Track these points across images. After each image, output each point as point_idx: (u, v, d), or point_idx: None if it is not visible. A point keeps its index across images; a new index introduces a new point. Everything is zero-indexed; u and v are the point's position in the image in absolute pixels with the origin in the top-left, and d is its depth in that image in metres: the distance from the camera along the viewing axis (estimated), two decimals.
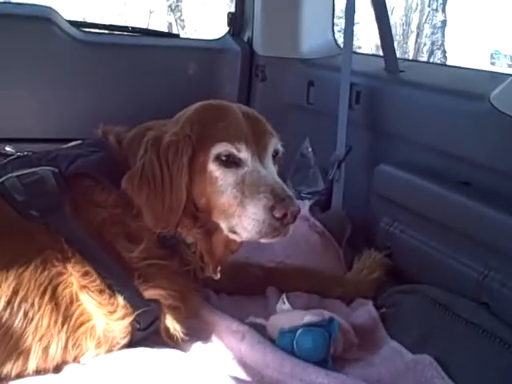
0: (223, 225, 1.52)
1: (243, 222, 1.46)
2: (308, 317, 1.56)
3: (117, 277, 1.46)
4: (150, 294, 1.49)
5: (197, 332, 1.59)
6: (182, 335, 1.52)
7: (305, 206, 2.20)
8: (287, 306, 1.68)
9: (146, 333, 1.51)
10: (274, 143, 1.58)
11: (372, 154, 2.20)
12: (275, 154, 1.59)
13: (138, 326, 1.48)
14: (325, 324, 1.53)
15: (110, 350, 1.47)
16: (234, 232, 1.51)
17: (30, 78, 2.41)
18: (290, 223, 1.46)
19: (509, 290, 1.52)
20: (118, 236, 1.49)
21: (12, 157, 1.61)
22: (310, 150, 2.49)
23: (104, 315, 1.43)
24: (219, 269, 1.65)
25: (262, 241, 1.49)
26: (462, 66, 2.39)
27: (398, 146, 2.08)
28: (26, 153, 1.63)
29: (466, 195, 1.72)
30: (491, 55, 8.59)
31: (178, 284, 1.54)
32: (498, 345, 1.44)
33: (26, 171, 1.51)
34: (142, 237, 1.51)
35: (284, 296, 1.71)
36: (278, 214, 1.43)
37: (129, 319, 1.46)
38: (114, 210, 1.51)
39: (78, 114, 2.43)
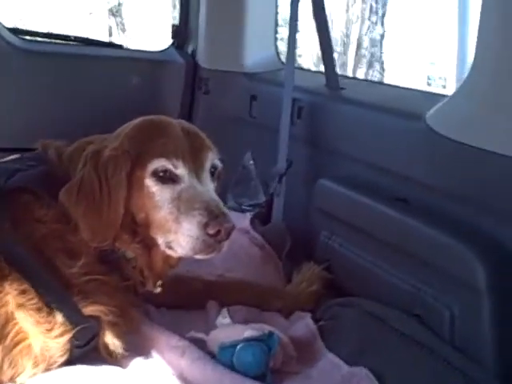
0: (160, 240, 1.53)
1: (178, 238, 1.48)
2: (248, 331, 1.57)
3: (55, 294, 1.45)
4: (89, 310, 1.48)
5: (137, 348, 1.58)
6: (121, 351, 1.51)
7: (245, 219, 2.22)
8: (227, 320, 1.70)
9: (85, 350, 1.50)
10: (212, 158, 1.60)
11: (313, 169, 2.23)
12: (214, 169, 1.61)
13: (76, 343, 1.47)
14: (264, 338, 1.55)
15: (47, 369, 1.44)
16: (170, 247, 1.52)
17: None
18: (224, 240, 1.48)
19: (440, 303, 1.57)
20: (58, 252, 1.48)
21: None
22: (252, 162, 2.51)
23: (41, 333, 1.41)
24: (159, 283, 1.65)
25: (197, 257, 1.51)
26: (399, 85, 2.48)
27: (338, 161, 2.12)
28: None
29: (402, 211, 1.76)
30: (427, 77, 8.88)
31: (118, 299, 1.54)
32: (429, 355, 1.50)
33: None
34: (81, 252, 1.50)
35: (225, 310, 1.73)
36: (211, 231, 1.44)
37: (67, 336, 1.44)
38: (53, 225, 1.49)
39: (16, 123, 2.38)
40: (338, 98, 2.23)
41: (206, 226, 1.44)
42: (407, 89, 2.32)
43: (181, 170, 1.52)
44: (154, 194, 1.51)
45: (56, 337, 1.43)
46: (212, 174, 1.60)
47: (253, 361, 1.52)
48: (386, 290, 1.74)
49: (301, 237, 2.13)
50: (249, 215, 2.25)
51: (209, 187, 1.55)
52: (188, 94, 2.77)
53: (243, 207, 2.41)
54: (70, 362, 1.48)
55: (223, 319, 1.71)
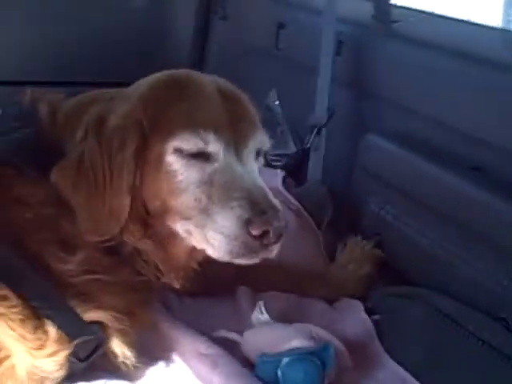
0: (183, 235, 1.21)
1: (208, 235, 1.14)
2: (296, 341, 1.27)
3: (45, 298, 1.11)
4: (91, 316, 1.16)
5: (154, 351, 1.29)
6: (133, 361, 1.21)
7: (276, 176, 1.90)
8: (265, 316, 1.40)
9: (89, 362, 1.18)
10: (258, 134, 1.24)
11: (357, 120, 1.90)
12: (259, 148, 1.25)
13: (76, 357, 1.15)
14: (318, 351, 1.25)
15: None
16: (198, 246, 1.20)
17: None
18: (272, 244, 1.14)
19: None
20: (48, 243, 1.14)
21: None
22: (278, 103, 2.16)
23: (27, 352, 1.09)
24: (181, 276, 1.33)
25: (236, 262, 1.18)
26: (474, 21, 2.05)
27: (390, 112, 1.78)
28: None
29: (475, 183, 1.45)
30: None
31: (127, 300, 1.23)
32: None
33: None
34: (79, 243, 1.16)
35: (261, 303, 1.42)
36: (255, 232, 1.10)
37: (63, 354, 1.12)
38: (42, 208, 1.15)
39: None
40: (388, 33, 1.86)
41: (247, 223, 1.10)
42: (483, 26, 1.91)
43: (214, 146, 1.16)
44: (175, 173, 1.16)
45: (49, 355, 1.10)
46: (257, 153, 1.24)
47: (303, 380, 1.22)
48: (459, 283, 1.43)
49: (343, 203, 1.81)
50: (280, 172, 1.93)
51: (253, 169, 1.20)
52: (201, 20, 2.36)
53: (269, 162, 2.05)
54: (69, 377, 1.16)
55: (261, 315, 1.40)
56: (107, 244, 1.19)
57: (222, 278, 1.51)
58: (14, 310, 1.07)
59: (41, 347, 1.09)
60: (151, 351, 1.28)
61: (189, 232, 1.19)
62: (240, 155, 1.19)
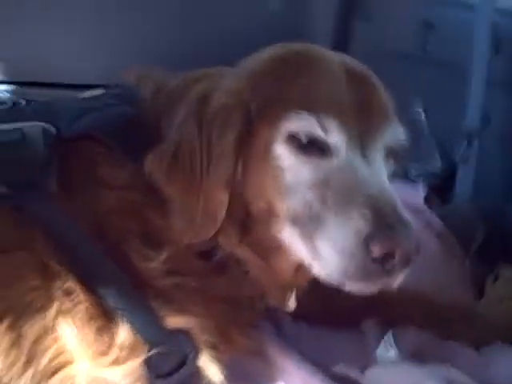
0: (288, 245, 1.00)
1: (317, 250, 0.93)
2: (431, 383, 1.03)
3: (121, 295, 0.97)
4: (176, 321, 0.99)
5: (258, 380, 1.13)
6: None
7: (418, 193, 1.70)
8: (393, 352, 1.19)
9: (172, 381, 1.01)
10: (393, 128, 1.01)
11: None
12: (391, 147, 1.02)
13: (153, 371, 0.98)
14: None
15: None
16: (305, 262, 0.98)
17: None
18: (397, 270, 0.90)
19: None
20: (131, 234, 1.00)
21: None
22: (423, 113, 1.94)
23: (91, 357, 0.94)
24: (292, 297, 1.14)
25: (346, 288, 0.95)
26: None
27: None
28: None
29: None
30: None
31: (221, 315, 1.05)
32: None
33: (5, 126, 1.04)
34: (166, 240, 1.01)
35: (390, 335, 1.22)
36: (376, 251, 0.87)
37: (133, 362, 0.96)
38: (127, 193, 1.01)
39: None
40: None
41: (368, 239, 0.88)
42: None
43: (335, 137, 0.95)
44: (284, 171, 0.96)
45: (114, 362, 0.95)
46: (388, 153, 1.01)
47: None
48: None
49: (498, 225, 1.57)
50: (422, 188, 1.72)
51: (381, 171, 0.97)
52: (341, 22, 2.22)
53: (410, 174, 1.86)
54: None
55: (387, 351, 1.19)
56: (201, 247, 1.02)
57: (349, 306, 1.30)
58: (81, 306, 0.94)
59: (104, 353, 0.95)
60: (254, 377, 1.12)
61: (295, 242, 0.98)
62: (366, 152, 0.96)
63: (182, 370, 1.00)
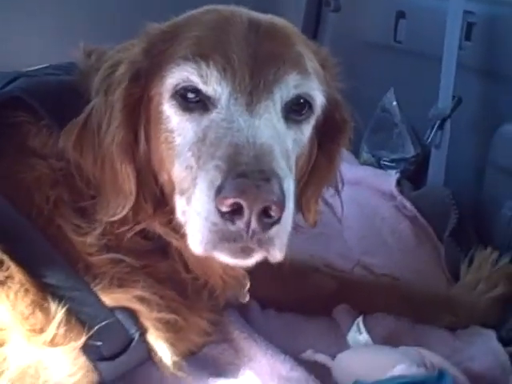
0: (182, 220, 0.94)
1: (188, 216, 0.87)
2: (401, 367, 0.99)
3: (52, 268, 0.92)
4: (116, 298, 0.95)
5: (224, 364, 1.12)
6: (179, 362, 1.00)
7: (389, 179, 1.69)
8: (364, 336, 1.16)
9: (119, 364, 0.97)
10: (296, 80, 0.92)
11: (489, 111, 1.63)
12: (302, 102, 0.94)
13: (95, 352, 0.94)
14: (429, 380, 0.96)
15: None
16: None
17: None
18: (262, 232, 0.80)
19: None
20: (63, 203, 0.96)
21: None
22: (395, 103, 1.95)
23: (25, 335, 0.89)
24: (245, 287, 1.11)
25: (222, 259, 0.87)
26: None
27: None
28: None
29: None
30: None
31: (171, 295, 1.01)
32: None
33: None
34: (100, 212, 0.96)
35: (360, 320, 1.18)
36: (221, 205, 0.78)
37: (73, 344, 0.90)
38: (57, 161, 0.97)
39: None
40: None
41: (217, 193, 0.79)
42: None
43: (215, 87, 0.88)
44: (174, 133, 0.91)
45: (51, 343, 0.89)
46: (298, 110, 0.94)
47: None
48: None
49: (471, 208, 1.56)
50: (394, 174, 1.72)
51: (267, 124, 0.88)
52: (312, 12, 2.21)
53: (382, 162, 1.89)
54: None
55: (358, 335, 1.16)
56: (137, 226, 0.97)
57: (320, 294, 1.29)
58: (12, 279, 0.89)
59: (40, 330, 0.89)
60: (220, 364, 1.11)
61: (185, 215, 0.90)
62: (255, 105, 0.88)
63: (128, 351, 0.96)
